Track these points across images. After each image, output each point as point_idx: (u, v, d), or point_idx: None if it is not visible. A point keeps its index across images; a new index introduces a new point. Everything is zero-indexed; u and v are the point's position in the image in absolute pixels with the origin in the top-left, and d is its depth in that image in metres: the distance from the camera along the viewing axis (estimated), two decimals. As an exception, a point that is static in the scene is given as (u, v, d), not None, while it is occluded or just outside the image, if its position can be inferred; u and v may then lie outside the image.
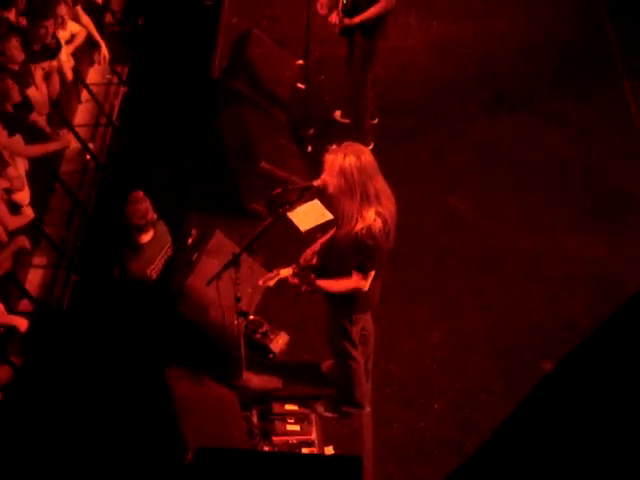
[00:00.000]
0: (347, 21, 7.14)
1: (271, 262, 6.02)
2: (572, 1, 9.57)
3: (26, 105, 6.82)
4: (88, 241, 6.96)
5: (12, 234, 6.11)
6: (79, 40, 7.84)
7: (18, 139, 6.48)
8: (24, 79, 6.80)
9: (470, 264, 6.94)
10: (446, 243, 7.09)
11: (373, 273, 4.99)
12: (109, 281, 6.12)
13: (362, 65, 7.43)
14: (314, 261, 5.29)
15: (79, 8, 7.93)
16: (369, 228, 4.77)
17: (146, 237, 5.90)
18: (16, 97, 6.62)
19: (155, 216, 5.88)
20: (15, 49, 6.72)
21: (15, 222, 6.18)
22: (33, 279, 6.64)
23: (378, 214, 4.79)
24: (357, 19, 7.11)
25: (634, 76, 8.59)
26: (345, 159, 4.70)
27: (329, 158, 4.77)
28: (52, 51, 7.35)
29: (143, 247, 5.90)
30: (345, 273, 5.00)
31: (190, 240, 6.46)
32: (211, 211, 7.14)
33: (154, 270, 5.96)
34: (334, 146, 4.82)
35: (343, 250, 4.91)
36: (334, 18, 7.22)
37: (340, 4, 7.17)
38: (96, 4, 8.46)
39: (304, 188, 5.13)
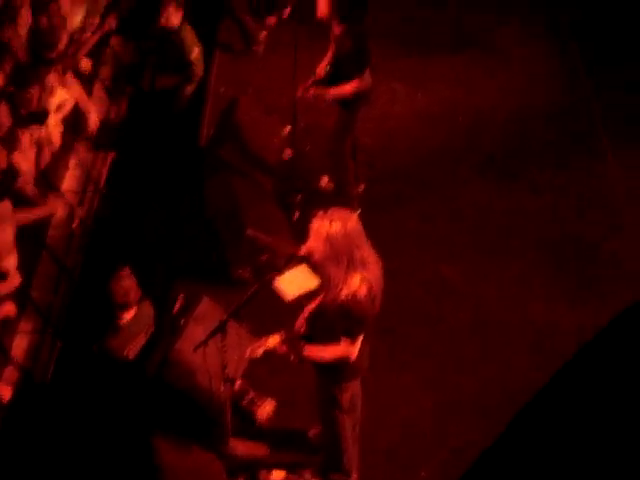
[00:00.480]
0: (321, 92, 7.22)
1: (258, 329, 5.99)
2: (559, 73, 9.75)
3: (13, 171, 6.85)
4: (74, 307, 6.93)
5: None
6: (68, 107, 7.90)
7: (6, 205, 6.48)
8: (10, 144, 6.83)
9: (460, 331, 6.94)
10: (436, 310, 7.09)
11: (361, 339, 4.98)
12: (90, 355, 6.07)
13: (340, 135, 7.53)
14: (303, 329, 5.28)
15: (69, 76, 8.01)
16: (354, 294, 4.77)
17: (127, 315, 5.85)
18: (2, 162, 6.64)
19: (139, 295, 5.85)
20: (2, 115, 6.77)
21: (2, 288, 6.16)
22: (19, 345, 6.59)
23: (363, 280, 4.79)
24: (331, 92, 7.19)
25: (617, 146, 8.70)
26: (331, 225, 4.72)
27: (315, 225, 4.79)
28: (39, 117, 7.39)
29: (124, 326, 5.86)
30: (333, 340, 4.99)
31: (177, 307, 6.43)
32: (198, 278, 7.12)
33: (132, 350, 5.88)
34: (320, 212, 4.84)
35: (330, 317, 4.90)
36: (302, 92, 7.30)
37: (318, 72, 7.29)
38: (85, 72, 8.54)
39: (290, 255, 5.15)
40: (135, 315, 5.89)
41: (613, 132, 8.86)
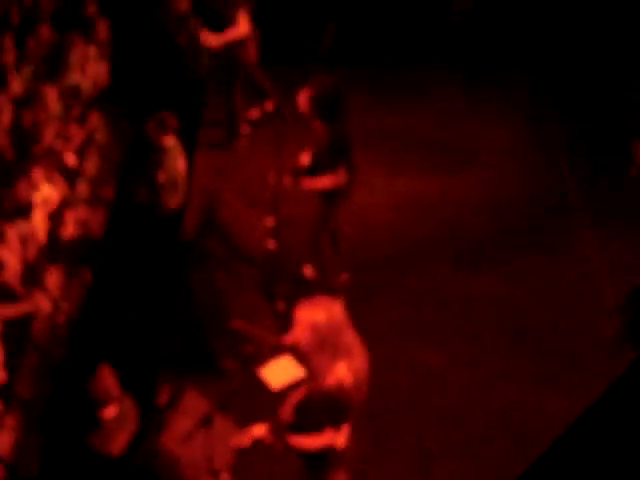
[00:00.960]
0: (296, 181, 7.36)
1: (244, 419, 6.00)
2: (536, 161, 9.97)
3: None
4: (58, 402, 6.91)
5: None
6: (53, 202, 7.97)
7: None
8: None
9: (445, 418, 6.95)
10: (421, 397, 7.10)
11: (346, 428, 4.99)
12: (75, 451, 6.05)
13: (319, 226, 7.66)
14: (290, 418, 5.29)
15: (54, 171, 8.11)
16: (340, 383, 4.80)
17: (110, 412, 5.83)
18: None
19: (119, 392, 5.84)
20: None
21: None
22: (3, 441, 6.54)
23: (349, 368, 4.84)
24: (306, 184, 7.34)
25: (597, 228, 8.86)
26: (316, 314, 4.78)
27: (300, 314, 4.85)
28: (24, 211, 7.45)
29: (104, 422, 5.82)
30: (318, 429, 5.00)
31: (162, 398, 6.44)
32: (183, 369, 7.12)
33: (115, 447, 5.84)
34: (304, 302, 4.91)
35: (315, 405, 4.93)
36: (286, 184, 7.46)
37: (300, 167, 7.43)
38: (71, 169, 8.65)
39: (275, 345, 5.19)
40: (118, 412, 5.86)
41: (593, 217, 9.05)
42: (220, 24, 9.22)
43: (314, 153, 7.35)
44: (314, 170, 7.33)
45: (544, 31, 11.80)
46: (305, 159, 7.44)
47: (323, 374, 4.84)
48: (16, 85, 8.40)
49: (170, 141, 7.78)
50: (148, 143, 7.81)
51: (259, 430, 5.25)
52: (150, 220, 7.98)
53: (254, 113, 10.38)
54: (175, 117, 7.77)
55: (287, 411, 5.32)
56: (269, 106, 9.76)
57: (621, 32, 11.21)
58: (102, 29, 9.78)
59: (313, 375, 4.91)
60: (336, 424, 4.95)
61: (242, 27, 9.21)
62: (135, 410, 6.04)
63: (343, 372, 4.82)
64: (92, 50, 9.49)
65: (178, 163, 7.83)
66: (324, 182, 7.28)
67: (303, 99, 7.19)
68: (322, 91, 7.20)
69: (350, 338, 4.90)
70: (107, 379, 5.77)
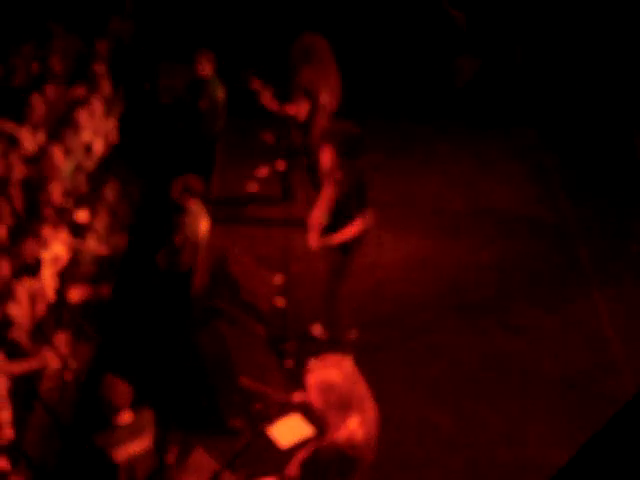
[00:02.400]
0: (327, 241, 7.37)
1: (252, 478, 5.97)
2: (542, 216, 10.06)
3: (6, 321, 6.90)
4: (67, 460, 6.89)
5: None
6: (62, 260, 8.01)
7: (-1, 357, 6.53)
8: (5, 295, 6.92)
9: (452, 476, 6.91)
10: (427, 455, 7.06)
11: None
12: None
13: (334, 279, 7.65)
14: (298, 473, 5.26)
15: (63, 229, 8.16)
16: (351, 437, 4.79)
17: (122, 420, 5.85)
18: None
19: (128, 403, 5.86)
20: (2, 267, 6.87)
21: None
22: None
23: (360, 423, 4.82)
24: (337, 239, 7.35)
25: (604, 286, 8.87)
26: (329, 373, 4.78)
27: (310, 373, 4.85)
28: (32, 269, 7.49)
29: (115, 427, 5.84)
30: None
31: (169, 457, 6.42)
32: (190, 427, 7.09)
33: (120, 453, 5.83)
34: (314, 360, 4.91)
35: (325, 459, 4.90)
36: (312, 240, 7.43)
37: (321, 223, 7.45)
38: (80, 226, 8.71)
39: (284, 402, 5.19)
40: (131, 420, 5.89)
41: (601, 275, 9.07)
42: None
43: (335, 203, 7.36)
44: (336, 222, 7.34)
45: (550, 87, 11.94)
46: (325, 213, 7.43)
47: (334, 429, 4.82)
48: (27, 143, 8.49)
49: (194, 204, 7.83)
50: (171, 205, 7.85)
51: (265, 484, 5.24)
52: (162, 279, 8.00)
53: (264, 170, 10.46)
54: (201, 181, 7.83)
55: (294, 466, 5.30)
56: (280, 163, 9.82)
57: (626, 85, 11.35)
58: (106, 85, 9.92)
59: (324, 431, 4.90)
60: (345, 477, 4.92)
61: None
62: (152, 422, 6.05)
63: (355, 426, 4.81)
64: (99, 107, 9.61)
65: (201, 226, 7.88)
66: (350, 230, 7.30)
67: (326, 152, 7.21)
68: (345, 136, 7.24)
69: (362, 393, 4.90)
70: (117, 385, 5.85)
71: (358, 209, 7.30)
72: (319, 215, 7.47)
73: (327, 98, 9.11)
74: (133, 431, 5.95)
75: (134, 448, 5.95)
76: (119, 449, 5.86)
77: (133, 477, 5.99)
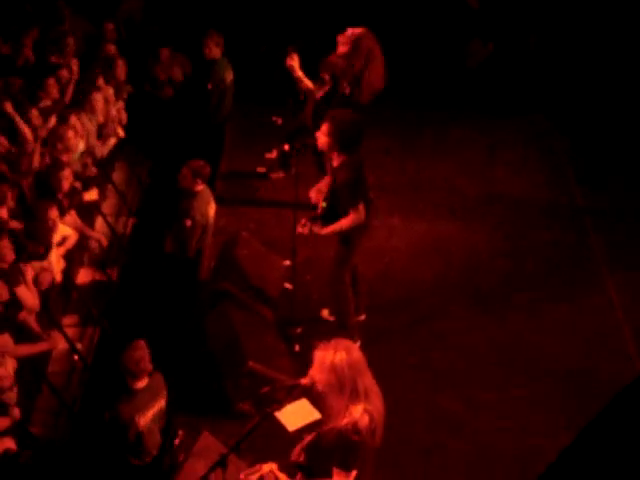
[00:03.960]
0: (316, 230, 7.33)
1: (259, 462, 5.93)
2: (555, 203, 10.00)
3: (15, 304, 6.88)
4: (74, 442, 6.88)
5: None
6: (70, 243, 7.99)
7: (7, 338, 6.50)
8: (14, 278, 6.90)
9: (460, 462, 6.86)
10: (435, 441, 7.02)
11: (355, 473, 4.91)
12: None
13: (337, 267, 7.60)
14: (301, 458, 5.23)
15: (73, 212, 8.14)
16: (355, 424, 4.74)
17: (140, 384, 5.91)
18: (4, 295, 6.68)
19: (151, 367, 5.93)
20: (5, 248, 6.85)
21: (1, 423, 6.12)
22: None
23: (365, 411, 4.78)
24: (324, 231, 7.30)
25: (617, 273, 8.81)
26: (335, 355, 4.74)
27: (319, 354, 4.80)
28: (42, 252, 7.47)
29: (135, 393, 5.90)
30: (328, 471, 4.92)
31: (177, 441, 6.39)
32: (198, 411, 7.08)
33: (143, 418, 5.91)
34: (323, 342, 4.87)
35: (327, 446, 4.86)
36: (300, 228, 7.40)
37: (318, 209, 7.40)
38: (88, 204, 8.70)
39: (292, 386, 5.13)
40: (147, 384, 5.95)
41: (613, 262, 9.01)
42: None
43: (331, 192, 7.31)
44: (332, 211, 7.29)
45: (562, 73, 11.87)
46: (322, 201, 7.40)
47: (340, 414, 4.78)
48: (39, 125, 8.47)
49: (202, 188, 7.79)
50: (179, 189, 7.81)
51: (268, 467, 5.18)
52: (170, 263, 7.98)
53: (272, 154, 10.43)
54: (209, 165, 7.78)
55: (298, 450, 5.26)
56: (286, 146, 9.78)
57: (638, 70, 11.28)
58: (121, 68, 9.88)
59: (329, 415, 4.85)
60: (345, 467, 4.87)
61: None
62: (163, 384, 6.15)
63: (360, 413, 4.77)
64: (110, 89, 9.58)
65: (209, 210, 7.84)
66: (342, 224, 7.24)
67: (323, 133, 7.17)
68: (343, 123, 7.18)
69: (367, 381, 4.85)
70: (141, 351, 5.88)
71: (353, 201, 7.22)
72: (317, 195, 7.45)
73: (361, 94, 9.07)
74: (152, 394, 6.01)
75: (153, 411, 6.02)
76: (143, 414, 5.92)
77: (152, 440, 6.07)
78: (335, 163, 7.27)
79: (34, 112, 8.59)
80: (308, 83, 9.04)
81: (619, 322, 8.24)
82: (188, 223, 7.65)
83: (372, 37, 8.96)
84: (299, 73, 8.99)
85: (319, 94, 8.94)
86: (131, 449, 6.02)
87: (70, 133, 8.39)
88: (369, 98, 9.13)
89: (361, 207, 7.20)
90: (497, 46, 12.31)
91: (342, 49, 8.90)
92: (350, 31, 8.93)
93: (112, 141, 9.48)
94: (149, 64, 10.43)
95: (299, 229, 7.39)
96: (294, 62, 8.96)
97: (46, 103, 8.88)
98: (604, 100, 11.38)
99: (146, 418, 5.96)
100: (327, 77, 8.88)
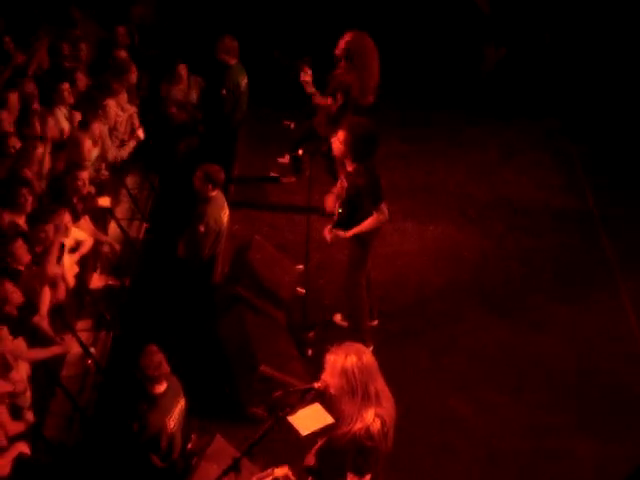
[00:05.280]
0: (341, 234, 7.34)
1: (271, 466, 5.94)
2: (567, 207, 10.01)
3: (29, 308, 6.90)
4: (87, 446, 6.90)
5: (12, 439, 6.06)
6: (84, 249, 7.99)
7: (21, 342, 6.52)
8: (27, 281, 6.92)
9: (473, 464, 6.86)
10: (447, 445, 7.02)
11: (369, 478, 4.92)
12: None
13: (353, 270, 7.62)
14: (312, 462, 5.24)
15: (87, 217, 8.16)
16: (367, 429, 4.75)
17: (160, 388, 5.89)
18: (18, 299, 6.68)
19: (169, 369, 5.91)
20: (21, 249, 6.88)
21: (16, 427, 6.13)
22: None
23: (377, 415, 4.78)
24: (350, 233, 7.32)
25: (629, 278, 8.79)
26: (347, 359, 4.75)
27: (330, 358, 4.82)
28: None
29: (158, 398, 5.88)
30: (341, 475, 4.93)
31: (190, 445, 6.41)
32: (211, 415, 7.08)
33: (172, 420, 5.92)
34: (335, 346, 4.88)
35: (340, 451, 4.87)
36: (327, 233, 7.42)
37: (335, 215, 7.42)
38: (103, 213, 8.72)
39: (304, 390, 5.14)
40: (167, 388, 5.94)
41: (626, 265, 9.02)
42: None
43: (347, 197, 7.32)
44: (352, 215, 7.30)
45: (576, 76, 11.86)
46: (339, 206, 7.41)
47: (352, 419, 4.79)
48: (54, 130, 8.49)
49: (216, 193, 7.78)
50: (193, 193, 7.80)
51: (280, 471, 5.19)
52: (184, 268, 7.98)
53: (285, 158, 10.45)
54: (222, 170, 7.77)
55: (311, 455, 5.27)
56: (300, 151, 9.80)
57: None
58: (133, 73, 9.90)
59: (341, 419, 4.86)
60: (358, 472, 4.88)
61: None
62: (180, 386, 6.13)
63: (372, 418, 4.77)
64: (124, 94, 9.61)
65: (222, 215, 7.85)
66: (366, 225, 7.26)
67: (339, 140, 7.18)
68: (360, 133, 7.20)
69: (379, 384, 4.86)
70: (157, 355, 5.85)
71: (372, 203, 7.24)
72: (332, 204, 7.46)
73: (362, 97, 9.10)
74: (173, 395, 6.01)
75: (178, 411, 6.03)
76: (171, 417, 5.93)
77: (178, 440, 6.09)
78: (349, 168, 7.28)
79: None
80: (321, 99, 9.08)
81: (632, 326, 8.22)
82: (201, 229, 7.64)
83: (359, 36, 9.00)
84: (312, 89, 9.05)
85: (333, 109, 8.98)
86: (163, 454, 6.01)
87: (87, 141, 8.42)
88: (372, 97, 9.16)
89: (383, 206, 7.25)
90: (510, 49, 12.30)
91: (343, 62, 8.99)
92: (341, 43, 9.00)
93: (132, 144, 9.50)
94: (164, 86, 10.36)
95: (325, 235, 7.39)
96: (307, 78, 9.00)
97: (60, 108, 8.92)
98: (618, 103, 11.36)
99: (174, 420, 5.97)
100: (339, 95, 8.94)
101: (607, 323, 8.25)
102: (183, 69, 10.29)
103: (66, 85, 8.92)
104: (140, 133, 9.61)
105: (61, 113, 8.88)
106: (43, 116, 8.63)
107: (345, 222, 7.34)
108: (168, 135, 10.20)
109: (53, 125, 8.63)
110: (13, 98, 8.54)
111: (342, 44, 8.99)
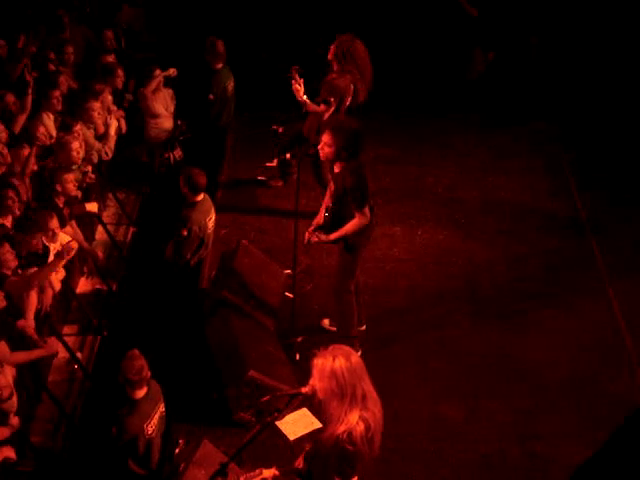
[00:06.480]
0: (324, 238, 7.32)
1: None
2: (556, 212, 9.99)
3: (13, 311, 6.85)
4: (73, 451, 6.85)
5: (-2, 443, 6.02)
6: (71, 254, 7.94)
7: (3, 345, 6.47)
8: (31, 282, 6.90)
9: (461, 470, 6.82)
10: (436, 451, 6.99)
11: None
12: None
13: (342, 276, 7.58)
14: (301, 465, 5.21)
15: (73, 222, 8.12)
16: (350, 432, 4.71)
17: (140, 393, 5.87)
18: (1, 303, 6.64)
19: (149, 374, 5.89)
20: (8, 254, 6.83)
21: (1, 432, 6.09)
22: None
23: (362, 418, 4.74)
24: (333, 236, 7.29)
25: (618, 282, 8.78)
26: (335, 361, 4.72)
27: (318, 362, 4.78)
28: (38, 259, 7.42)
29: (138, 402, 5.86)
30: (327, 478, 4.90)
31: (177, 450, 6.37)
32: (198, 420, 7.05)
33: (150, 425, 5.89)
34: (321, 350, 4.85)
35: (325, 453, 4.84)
36: (307, 235, 7.39)
37: (318, 219, 7.39)
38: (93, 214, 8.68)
39: (292, 395, 5.11)
40: (147, 392, 5.92)
41: (611, 264, 9.04)
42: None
43: (334, 200, 7.30)
44: (336, 219, 7.28)
45: (565, 81, 11.89)
46: (325, 210, 7.39)
47: (336, 420, 4.76)
48: (41, 134, 8.43)
49: (201, 197, 7.74)
50: (181, 195, 7.76)
51: (268, 472, 5.17)
52: (170, 272, 7.95)
53: (272, 163, 10.44)
54: (205, 175, 7.72)
55: (300, 458, 5.24)
56: (287, 155, 9.78)
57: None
58: (120, 77, 9.87)
59: (327, 422, 4.83)
60: (346, 476, 4.85)
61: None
62: (160, 390, 6.10)
63: (354, 420, 4.73)
64: (110, 98, 9.58)
65: (208, 219, 7.80)
66: (348, 228, 7.23)
67: (326, 143, 7.15)
68: (344, 131, 7.17)
69: (366, 387, 4.82)
70: (139, 360, 5.83)
71: (360, 203, 7.20)
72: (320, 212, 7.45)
73: (354, 101, 9.10)
74: (152, 400, 5.98)
75: (157, 417, 5.99)
76: (149, 422, 5.90)
77: (156, 446, 6.05)
78: (337, 169, 7.25)
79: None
80: (314, 107, 9.06)
81: (621, 331, 8.21)
82: (184, 233, 7.61)
83: (350, 40, 9.00)
84: (304, 98, 9.03)
85: (326, 115, 8.96)
86: (140, 460, 5.98)
87: (75, 144, 8.37)
88: (364, 99, 9.16)
89: (366, 210, 7.20)
90: (498, 54, 12.32)
91: (335, 67, 8.98)
92: (332, 47, 9.00)
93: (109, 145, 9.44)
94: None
95: (307, 238, 7.37)
96: (298, 86, 8.99)
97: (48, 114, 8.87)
98: (608, 107, 11.38)
99: (152, 425, 5.94)
100: (332, 99, 8.91)
101: (596, 328, 8.23)
102: (159, 74, 10.20)
103: (56, 92, 8.87)
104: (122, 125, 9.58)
105: (49, 119, 8.83)
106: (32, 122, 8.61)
107: (329, 225, 7.31)
108: (150, 147, 10.19)
109: (43, 131, 8.55)
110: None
111: (334, 48, 8.98)
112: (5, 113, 8.50)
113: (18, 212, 7.51)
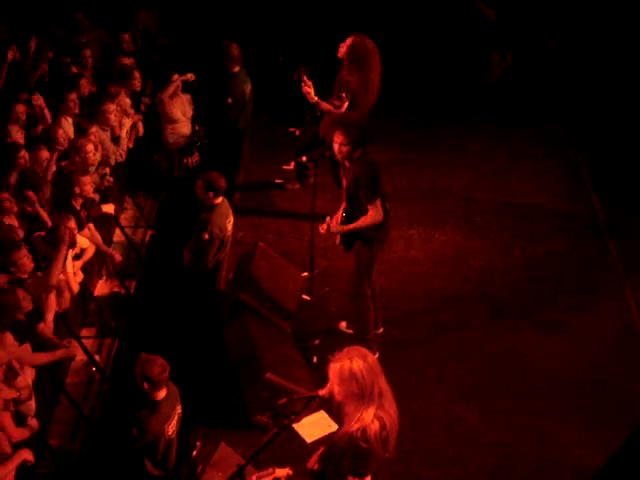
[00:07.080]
0: (339, 228, 7.32)
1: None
2: (573, 214, 9.96)
3: (34, 314, 6.88)
4: (92, 454, 6.88)
5: (16, 446, 6.03)
6: (88, 255, 7.99)
7: (27, 347, 6.51)
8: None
9: (478, 473, 6.82)
10: (453, 453, 6.98)
11: (369, 479, 4.89)
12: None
13: (361, 276, 7.59)
14: (315, 466, 5.22)
15: (91, 225, 8.15)
16: (364, 430, 4.71)
17: (162, 394, 5.88)
18: (28, 306, 6.66)
19: (168, 376, 5.89)
20: (25, 257, 6.86)
21: (20, 434, 6.10)
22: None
23: (377, 417, 4.75)
24: (347, 228, 7.30)
25: (636, 285, 8.75)
26: (353, 363, 4.73)
27: (336, 366, 4.79)
28: None
29: (159, 404, 5.87)
30: (341, 478, 4.91)
31: (195, 452, 6.38)
32: (216, 423, 7.07)
33: (171, 426, 5.91)
34: (336, 354, 4.86)
35: (339, 452, 4.84)
36: (324, 228, 7.40)
37: (338, 216, 7.40)
38: (109, 216, 8.71)
39: (309, 398, 5.13)
40: (167, 394, 5.93)
41: (629, 266, 9.01)
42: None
43: (347, 199, 7.30)
44: (351, 217, 7.29)
45: (582, 84, 11.85)
46: (341, 213, 7.41)
47: (352, 419, 4.77)
48: (61, 137, 8.47)
49: (219, 201, 7.74)
50: (196, 201, 7.78)
51: (281, 472, 5.18)
52: (188, 276, 7.96)
53: (290, 165, 10.46)
54: (223, 178, 7.73)
55: (314, 459, 5.25)
56: (303, 158, 9.80)
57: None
58: (137, 80, 9.89)
59: (343, 421, 4.84)
60: (360, 475, 4.85)
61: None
62: (177, 392, 6.11)
63: (369, 418, 4.74)
64: (128, 101, 9.61)
65: (226, 222, 7.82)
66: (363, 221, 7.24)
67: (339, 142, 7.17)
68: (352, 124, 7.18)
69: (382, 385, 4.83)
70: (160, 361, 5.84)
71: (372, 197, 7.21)
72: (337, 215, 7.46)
73: (366, 97, 9.11)
74: (171, 402, 5.99)
75: (176, 418, 6.01)
76: (170, 423, 5.92)
77: (174, 446, 6.08)
78: (347, 163, 7.27)
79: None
80: (326, 106, 9.08)
81: (638, 332, 8.18)
82: (205, 236, 7.62)
83: (360, 38, 9.01)
84: (315, 99, 9.05)
85: (340, 111, 8.96)
86: (159, 461, 6.00)
87: (90, 146, 8.41)
88: (375, 97, 9.17)
89: (379, 204, 7.20)
90: (516, 56, 12.30)
91: (345, 65, 9.00)
92: (343, 47, 9.01)
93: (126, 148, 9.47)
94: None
95: (326, 226, 7.37)
96: (309, 88, 9.01)
97: (66, 117, 8.90)
98: (624, 109, 11.33)
99: (172, 426, 5.96)
100: (344, 95, 8.92)
101: (613, 330, 8.20)
102: (177, 79, 10.15)
103: (73, 95, 8.89)
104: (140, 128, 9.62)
105: (67, 122, 8.86)
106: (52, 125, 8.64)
107: (346, 220, 7.33)
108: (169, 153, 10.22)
109: (62, 134, 8.59)
110: (21, 109, 8.51)
111: (344, 47, 9.00)
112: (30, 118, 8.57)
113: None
